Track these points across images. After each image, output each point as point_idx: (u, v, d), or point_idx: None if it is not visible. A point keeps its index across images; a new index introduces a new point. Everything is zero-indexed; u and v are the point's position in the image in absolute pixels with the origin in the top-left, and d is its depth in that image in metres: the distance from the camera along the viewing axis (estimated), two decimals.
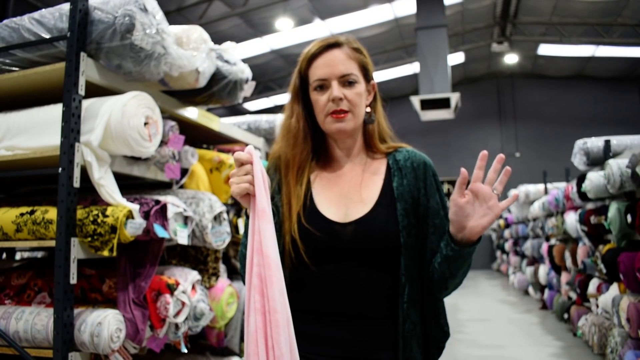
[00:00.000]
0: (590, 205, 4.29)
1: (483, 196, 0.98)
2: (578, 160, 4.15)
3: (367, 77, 1.16)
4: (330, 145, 1.19)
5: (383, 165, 1.17)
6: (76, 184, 1.64)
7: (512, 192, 9.34)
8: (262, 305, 0.94)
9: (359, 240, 1.06)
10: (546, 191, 7.32)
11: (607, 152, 3.75)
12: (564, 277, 5.57)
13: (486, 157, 0.97)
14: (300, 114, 1.16)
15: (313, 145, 1.19)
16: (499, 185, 0.98)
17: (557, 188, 6.32)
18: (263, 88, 12.44)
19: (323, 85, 1.11)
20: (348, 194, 1.13)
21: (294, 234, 1.08)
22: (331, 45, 1.13)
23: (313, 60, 1.13)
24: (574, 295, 5.17)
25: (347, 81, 1.11)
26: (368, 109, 1.17)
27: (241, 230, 2.48)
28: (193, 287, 1.96)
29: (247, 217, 1.06)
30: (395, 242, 1.07)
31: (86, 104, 1.71)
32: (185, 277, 1.92)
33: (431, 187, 1.14)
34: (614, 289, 3.55)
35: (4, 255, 2.66)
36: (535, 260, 7.75)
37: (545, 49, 12.69)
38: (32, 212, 1.70)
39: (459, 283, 1.10)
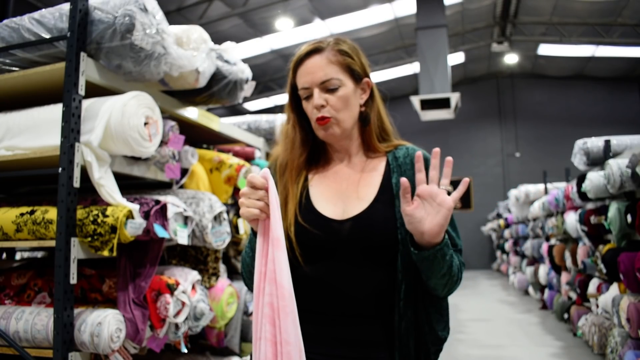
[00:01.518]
0: (590, 205, 4.29)
1: (429, 195, 0.96)
2: (578, 160, 4.15)
3: (356, 77, 1.13)
4: (328, 147, 1.20)
5: (382, 163, 1.17)
6: (76, 184, 1.64)
7: (512, 192, 9.38)
8: (273, 335, 0.92)
9: (357, 237, 1.06)
10: (546, 191, 7.32)
11: (607, 152, 3.75)
12: (564, 277, 5.57)
13: (436, 156, 0.97)
14: (295, 120, 1.17)
15: (311, 148, 1.19)
16: (445, 179, 0.98)
17: (557, 188, 6.32)
18: (263, 88, 12.44)
19: (308, 94, 1.12)
20: (346, 191, 1.13)
21: (291, 233, 1.08)
22: (312, 51, 1.11)
23: (297, 69, 1.13)
24: (574, 295, 5.17)
25: (328, 87, 1.10)
26: (362, 109, 1.16)
27: (241, 230, 2.48)
28: (193, 287, 1.96)
29: (254, 234, 1.05)
30: (393, 238, 1.06)
31: (86, 104, 1.71)
32: (185, 277, 1.92)
33: None
34: (614, 289, 3.55)
35: (4, 255, 2.66)
36: (535, 260, 7.75)
37: (545, 49, 12.70)
38: (32, 212, 1.70)
39: (448, 284, 1.05)
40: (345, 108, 1.11)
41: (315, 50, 1.11)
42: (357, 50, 1.15)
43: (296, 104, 1.17)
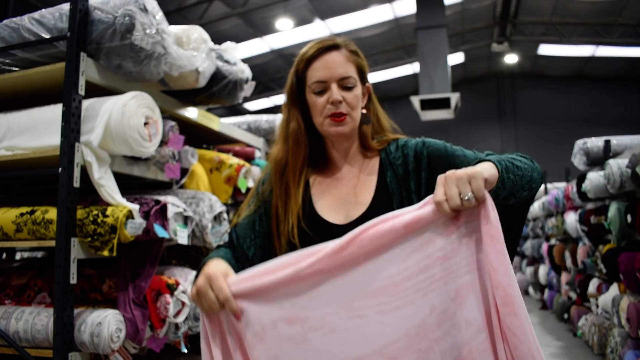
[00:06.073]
0: (590, 205, 4.29)
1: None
2: (578, 160, 4.15)
3: (363, 80, 1.17)
4: (328, 148, 1.20)
5: (377, 162, 1.18)
6: (76, 184, 1.64)
7: None
8: None
9: None
10: (546, 191, 7.30)
11: (607, 152, 3.75)
12: (564, 277, 5.56)
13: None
14: (299, 117, 1.16)
15: (310, 148, 1.19)
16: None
17: (557, 188, 6.32)
18: (263, 88, 12.44)
19: (322, 88, 1.11)
20: (346, 196, 1.14)
21: (293, 238, 1.09)
22: (330, 47, 1.13)
23: (311, 62, 1.13)
24: (574, 295, 5.17)
25: (345, 84, 1.11)
26: (364, 111, 1.18)
27: None
28: None
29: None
30: None
31: (86, 104, 1.71)
32: (185, 277, 1.92)
33: (430, 162, 1.12)
34: (614, 289, 3.55)
35: (4, 255, 2.66)
36: (535, 260, 7.75)
37: (545, 49, 12.70)
38: (32, 212, 1.70)
39: (529, 187, 1.06)
40: (357, 108, 1.13)
41: (334, 46, 1.12)
42: (362, 54, 1.18)
43: (300, 99, 1.16)
